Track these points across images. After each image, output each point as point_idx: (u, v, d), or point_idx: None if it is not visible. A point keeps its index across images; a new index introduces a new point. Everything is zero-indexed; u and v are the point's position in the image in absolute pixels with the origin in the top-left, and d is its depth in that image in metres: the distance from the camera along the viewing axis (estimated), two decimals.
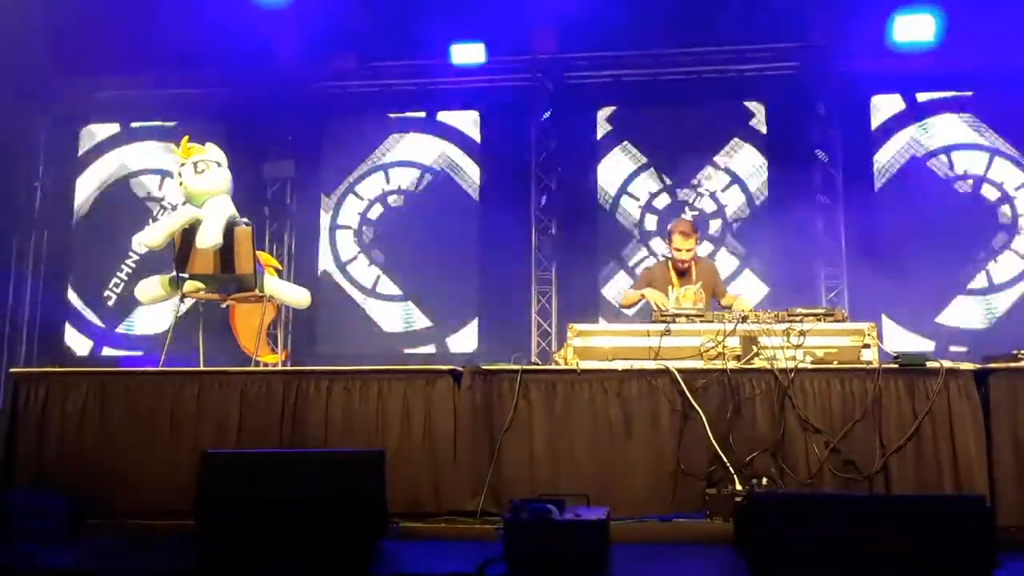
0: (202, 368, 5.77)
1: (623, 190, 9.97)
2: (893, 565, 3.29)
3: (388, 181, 10.34)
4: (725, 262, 9.65)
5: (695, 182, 9.84)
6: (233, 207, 6.06)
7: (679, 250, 6.23)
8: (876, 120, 9.66)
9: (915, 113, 9.61)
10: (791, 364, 4.71)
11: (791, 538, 3.38)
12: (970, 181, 9.39)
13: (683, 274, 6.28)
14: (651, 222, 9.89)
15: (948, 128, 9.53)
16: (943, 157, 9.51)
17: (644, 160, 9.97)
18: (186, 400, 4.95)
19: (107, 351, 10.29)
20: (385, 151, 10.39)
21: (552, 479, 4.61)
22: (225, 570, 3.66)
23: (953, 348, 8.82)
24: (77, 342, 10.39)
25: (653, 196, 9.92)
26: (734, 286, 9.36)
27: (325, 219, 10.34)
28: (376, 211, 10.30)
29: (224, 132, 9.95)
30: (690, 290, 6.12)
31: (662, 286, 6.24)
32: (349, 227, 10.30)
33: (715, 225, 9.77)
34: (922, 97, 9.60)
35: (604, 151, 10.04)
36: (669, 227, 6.46)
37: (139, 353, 9.96)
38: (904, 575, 3.26)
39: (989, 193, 9.36)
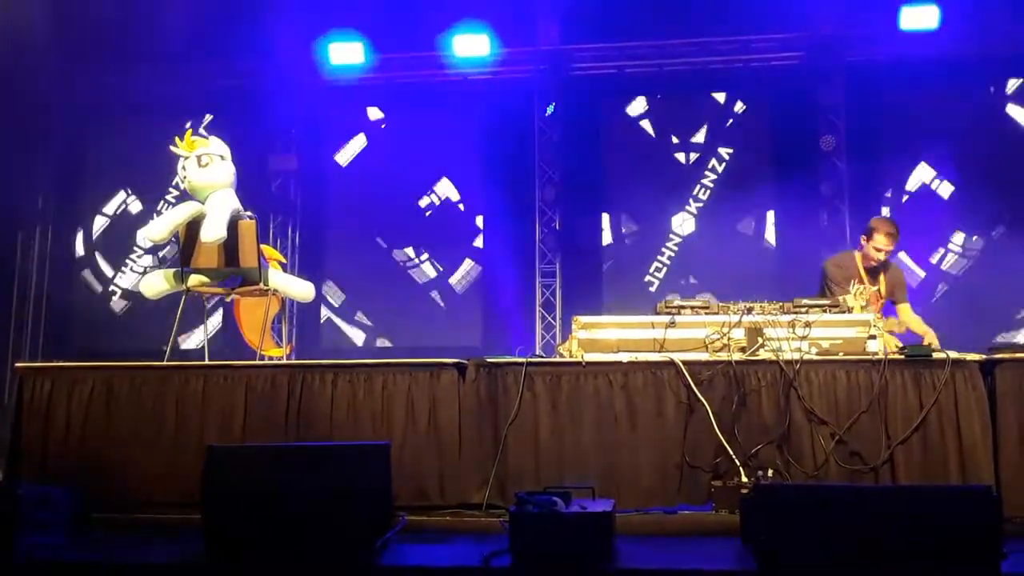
0: (207, 362, 5.78)
1: (628, 183, 9.96)
2: (900, 556, 3.28)
3: (392, 176, 10.35)
4: (732, 252, 9.66)
5: (700, 173, 9.83)
6: (237, 201, 6.05)
7: (879, 250, 5.99)
8: (881, 111, 9.64)
9: (922, 104, 9.59)
10: (796, 356, 4.71)
11: (797, 530, 3.38)
12: None
13: (872, 272, 6.07)
14: (655, 215, 9.88)
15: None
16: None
17: (649, 152, 9.96)
18: (191, 394, 4.95)
19: (113, 345, 10.32)
20: (389, 145, 10.39)
21: (557, 472, 4.60)
22: (231, 563, 3.67)
23: None
24: (84, 335, 10.40)
25: (658, 189, 9.91)
26: (746, 277, 9.38)
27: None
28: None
29: (228, 125, 9.97)
30: (868, 290, 5.84)
31: (849, 277, 6.01)
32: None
33: (721, 215, 9.77)
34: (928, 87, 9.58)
35: (609, 142, 10.03)
36: (874, 223, 6.14)
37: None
38: (911, 566, 3.26)
39: None
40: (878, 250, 6.03)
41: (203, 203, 5.94)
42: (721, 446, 4.58)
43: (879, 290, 6.03)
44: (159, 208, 10.34)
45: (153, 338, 9.95)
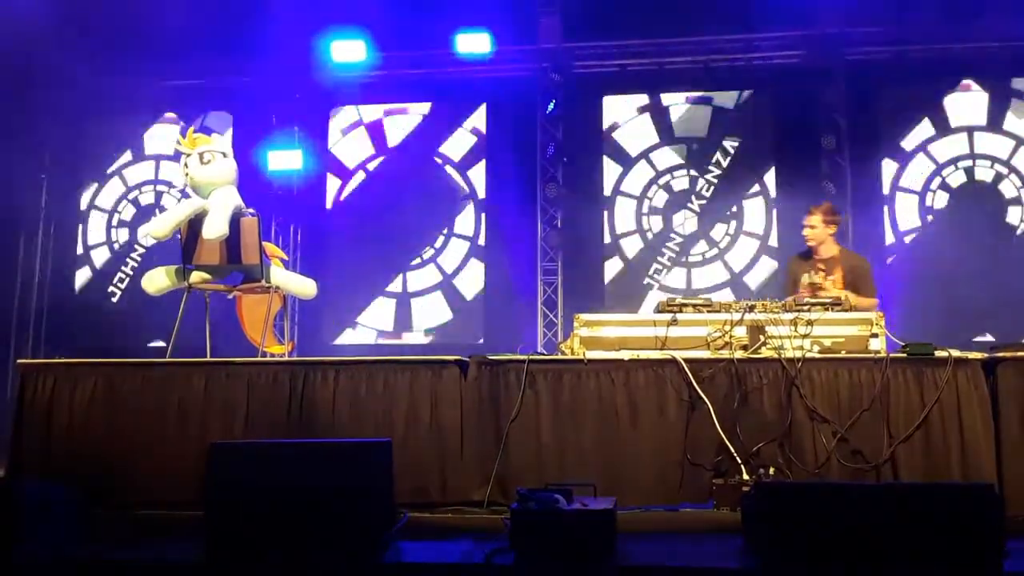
0: (209, 359, 5.77)
1: (629, 180, 9.95)
2: (902, 554, 3.28)
3: (393, 173, 10.35)
4: (735, 251, 9.65)
5: (702, 171, 9.82)
6: (239, 197, 6.05)
7: (811, 227, 6.09)
8: (882, 108, 9.64)
9: (924, 101, 9.58)
10: (798, 354, 4.70)
11: (799, 528, 3.38)
12: (992, 169, 9.38)
13: (825, 263, 6.05)
14: (656, 213, 9.88)
15: (960, 115, 9.51)
16: (952, 144, 9.50)
17: (650, 150, 9.95)
18: (193, 391, 4.95)
19: (115, 342, 10.32)
20: (390, 142, 10.39)
21: (559, 469, 4.60)
22: (233, 560, 3.67)
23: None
24: (85, 331, 10.41)
25: (659, 186, 9.90)
26: (749, 275, 9.39)
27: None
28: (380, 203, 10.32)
29: (230, 122, 9.98)
30: (827, 281, 5.88)
31: (796, 277, 6.04)
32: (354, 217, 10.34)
33: (723, 213, 9.76)
34: (931, 85, 9.57)
35: (610, 141, 10.02)
36: None
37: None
38: (913, 564, 3.26)
39: (1006, 186, 9.38)
40: (811, 228, 6.09)
41: (206, 200, 5.95)
42: (723, 444, 4.58)
43: (834, 280, 5.96)
44: (162, 205, 10.35)
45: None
